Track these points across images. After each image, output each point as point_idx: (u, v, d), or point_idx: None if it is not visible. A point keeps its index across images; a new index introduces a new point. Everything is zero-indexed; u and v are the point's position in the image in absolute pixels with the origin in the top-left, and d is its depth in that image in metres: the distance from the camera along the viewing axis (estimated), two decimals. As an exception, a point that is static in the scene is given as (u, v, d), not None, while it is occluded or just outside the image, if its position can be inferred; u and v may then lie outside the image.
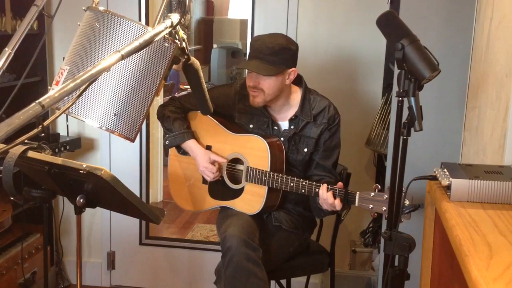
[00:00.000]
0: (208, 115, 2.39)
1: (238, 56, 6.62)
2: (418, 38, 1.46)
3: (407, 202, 1.77)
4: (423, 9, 2.27)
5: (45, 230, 3.04)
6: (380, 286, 2.52)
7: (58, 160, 1.62)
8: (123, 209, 1.82)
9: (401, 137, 1.46)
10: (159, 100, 4.11)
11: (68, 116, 2.26)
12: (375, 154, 3.11)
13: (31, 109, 1.01)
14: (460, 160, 2.27)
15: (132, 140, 1.40)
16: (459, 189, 1.47)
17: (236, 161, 2.39)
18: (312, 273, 2.62)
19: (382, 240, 1.62)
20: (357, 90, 3.09)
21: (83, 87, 1.12)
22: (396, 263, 1.53)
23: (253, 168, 2.30)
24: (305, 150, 2.35)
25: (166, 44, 1.39)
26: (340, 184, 2.14)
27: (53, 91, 1.05)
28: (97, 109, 1.34)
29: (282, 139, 2.35)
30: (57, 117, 1.18)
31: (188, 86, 1.68)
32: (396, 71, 1.51)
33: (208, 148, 2.45)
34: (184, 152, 2.47)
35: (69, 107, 1.18)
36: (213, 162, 2.39)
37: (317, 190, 2.14)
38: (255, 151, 2.31)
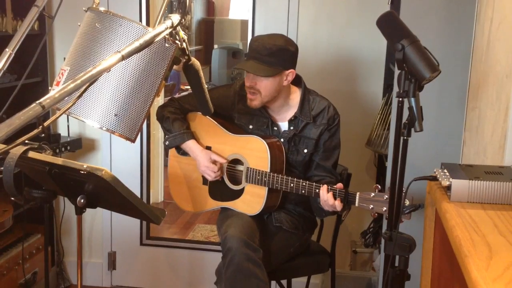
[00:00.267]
0: (208, 116, 2.39)
1: (239, 56, 6.61)
2: (418, 38, 1.46)
3: (407, 202, 1.77)
4: (424, 9, 2.27)
5: (46, 231, 3.03)
6: (381, 286, 2.52)
7: (59, 160, 1.62)
8: (123, 209, 1.82)
9: (402, 138, 1.46)
10: (160, 100, 4.11)
11: (69, 117, 2.26)
12: (376, 154, 3.11)
13: (32, 110, 1.01)
14: (460, 161, 2.27)
15: (133, 141, 1.41)
16: (459, 189, 1.47)
17: (236, 162, 2.39)
18: (313, 274, 2.62)
19: (383, 241, 1.61)
20: (357, 90, 3.09)
21: (84, 87, 1.12)
22: (396, 264, 1.53)
23: (253, 169, 2.29)
24: (305, 151, 2.35)
25: (167, 45, 1.39)
26: (339, 185, 2.14)
27: (54, 92, 1.05)
28: (97, 109, 1.34)
29: (282, 140, 2.35)
30: (57, 117, 1.18)
31: (189, 87, 1.68)
32: (397, 72, 1.51)
33: (208, 149, 2.45)
34: (184, 153, 2.46)
35: (69, 107, 1.18)
36: (213, 162, 2.39)
37: (317, 190, 2.14)
38: (255, 152, 2.30)
